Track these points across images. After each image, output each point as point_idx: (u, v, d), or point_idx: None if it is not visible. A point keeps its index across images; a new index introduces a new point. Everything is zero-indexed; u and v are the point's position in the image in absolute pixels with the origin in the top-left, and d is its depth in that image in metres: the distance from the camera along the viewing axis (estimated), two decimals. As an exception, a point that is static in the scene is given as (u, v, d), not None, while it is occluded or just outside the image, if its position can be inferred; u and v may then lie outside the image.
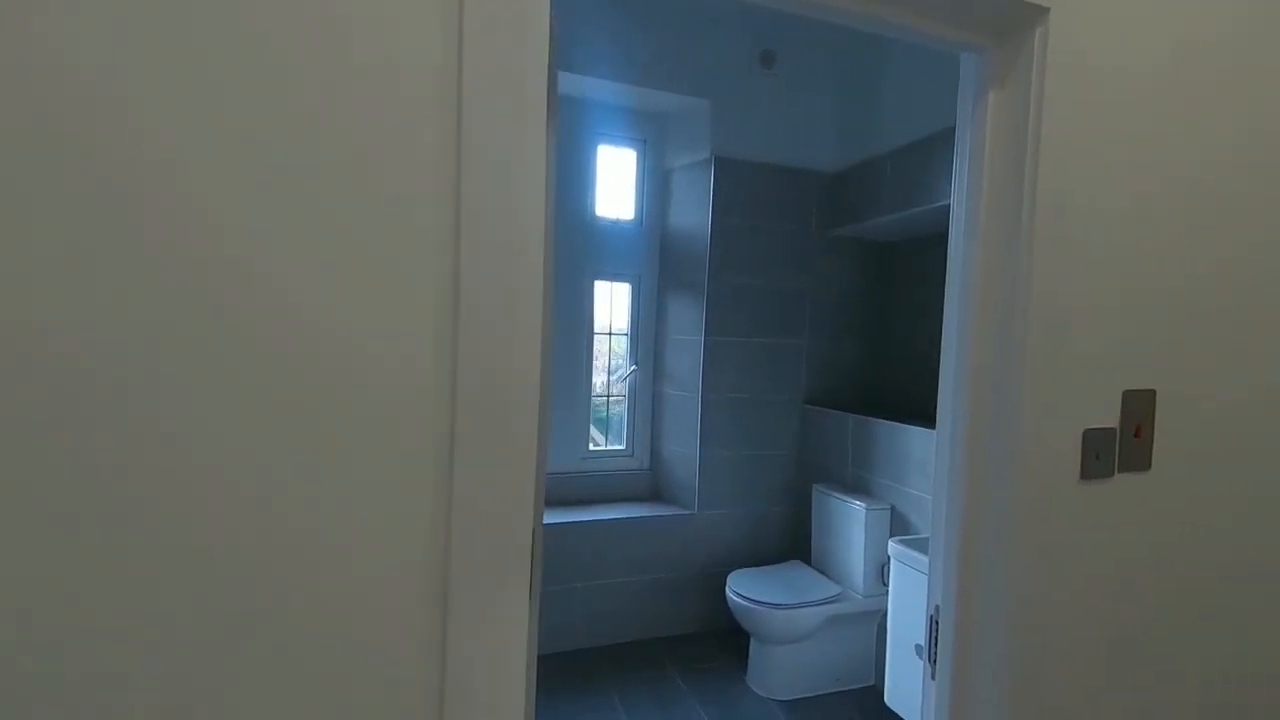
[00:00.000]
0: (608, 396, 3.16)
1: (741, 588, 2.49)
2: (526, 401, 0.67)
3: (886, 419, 2.55)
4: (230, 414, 0.59)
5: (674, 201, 3.06)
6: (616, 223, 3.07)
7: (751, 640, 2.53)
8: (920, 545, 2.03)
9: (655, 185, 3.10)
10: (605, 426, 3.19)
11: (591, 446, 3.10)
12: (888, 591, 2.20)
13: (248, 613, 0.60)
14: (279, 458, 0.61)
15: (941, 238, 1.10)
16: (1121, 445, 1.03)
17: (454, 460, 0.64)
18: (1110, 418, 1.02)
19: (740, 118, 2.84)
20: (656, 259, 3.11)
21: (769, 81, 2.87)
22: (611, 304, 3.11)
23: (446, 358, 0.64)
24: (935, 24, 0.94)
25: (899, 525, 2.44)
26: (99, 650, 0.57)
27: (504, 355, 0.66)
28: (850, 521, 2.53)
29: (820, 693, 2.49)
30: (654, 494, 3.12)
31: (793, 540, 3.05)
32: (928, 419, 1.09)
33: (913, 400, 2.76)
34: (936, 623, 1.06)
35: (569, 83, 2.71)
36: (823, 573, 2.67)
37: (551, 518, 2.73)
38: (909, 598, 2.06)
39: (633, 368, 3.12)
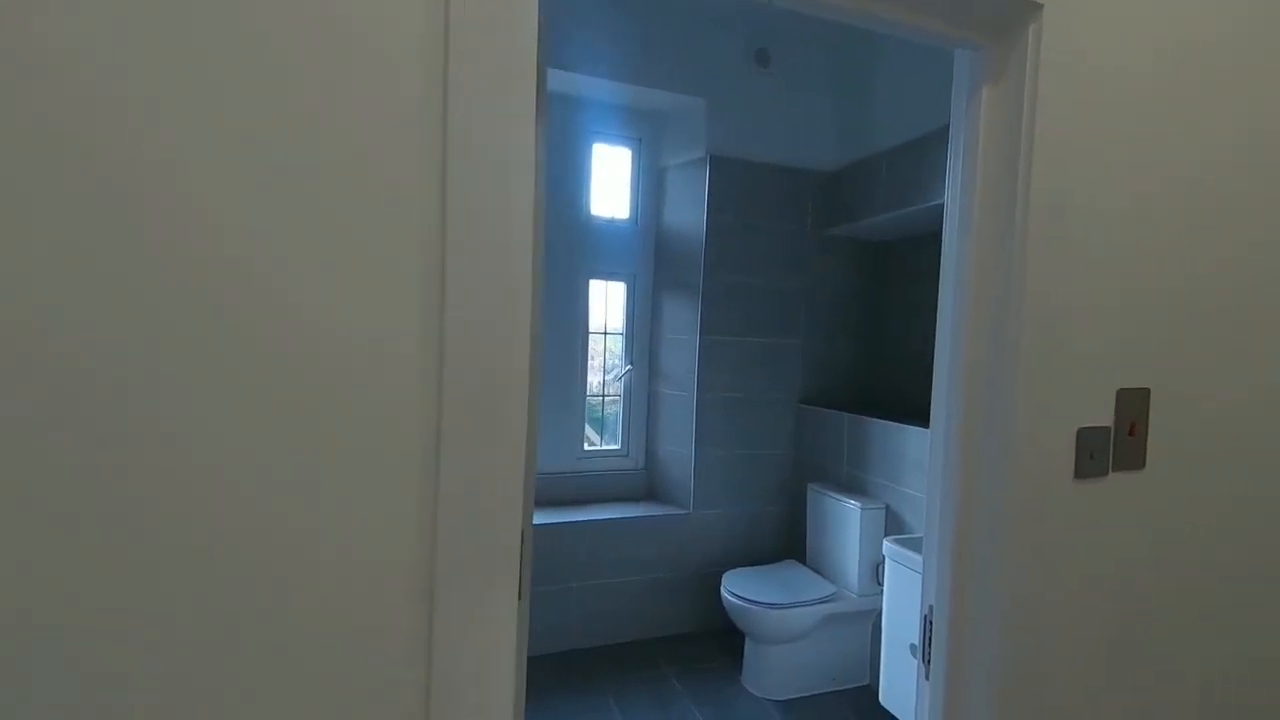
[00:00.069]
0: (603, 396, 3.16)
1: (736, 587, 2.49)
2: (514, 401, 0.66)
3: (882, 418, 2.55)
4: (220, 411, 0.59)
5: (669, 200, 3.06)
6: (611, 221, 3.06)
7: (747, 640, 2.53)
8: (915, 544, 2.03)
9: (650, 184, 3.09)
10: (600, 426, 3.18)
11: (587, 446, 3.09)
12: (883, 591, 2.20)
13: (232, 611, 0.60)
14: (267, 455, 0.60)
15: (937, 237, 1.09)
16: (1116, 444, 1.03)
17: (440, 460, 0.63)
18: (1105, 416, 1.02)
19: (735, 116, 2.83)
20: (652, 258, 3.10)
21: (764, 80, 2.86)
22: (606, 303, 3.10)
23: (432, 356, 0.64)
24: (928, 20, 0.93)
25: (894, 524, 2.44)
26: (93, 648, 0.56)
27: (491, 354, 0.65)
28: (845, 521, 2.53)
29: (815, 692, 2.48)
30: (649, 494, 3.12)
31: (788, 540, 3.05)
32: (923, 418, 1.10)
33: (908, 399, 2.75)
34: (930, 623, 1.06)
35: (563, 81, 2.70)
36: (818, 572, 2.67)
37: (546, 518, 2.72)
38: (904, 597, 2.06)
39: (628, 367, 3.11)
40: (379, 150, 0.62)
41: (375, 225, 0.63)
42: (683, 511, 2.92)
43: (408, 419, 0.64)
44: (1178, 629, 1.11)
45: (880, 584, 2.30)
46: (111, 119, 0.55)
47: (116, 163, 0.55)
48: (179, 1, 0.56)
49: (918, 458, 2.32)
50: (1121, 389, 1.03)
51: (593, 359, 3.11)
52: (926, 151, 2.39)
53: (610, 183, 3.06)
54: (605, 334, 3.12)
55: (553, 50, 2.53)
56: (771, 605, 2.39)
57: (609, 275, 3.06)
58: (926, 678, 1.06)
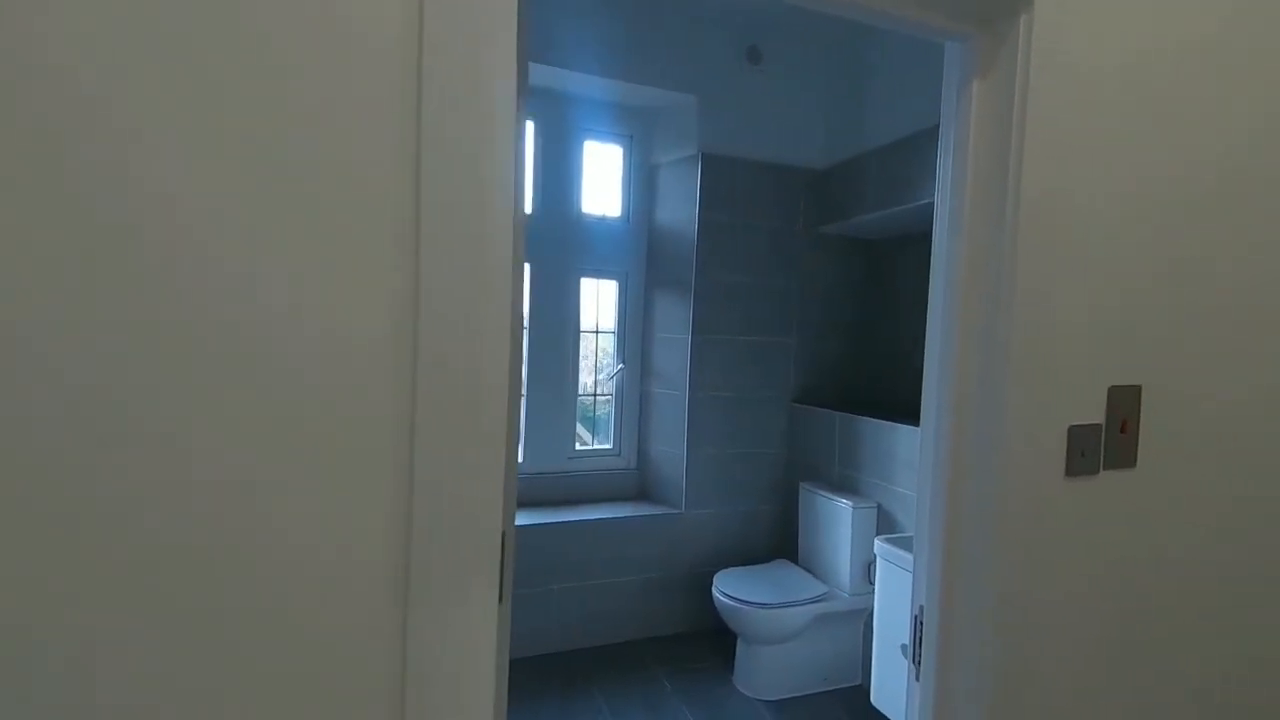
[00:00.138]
0: (595, 395, 3.14)
1: (728, 587, 2.47)
2: (492, 399, 0.64)
3: (873, 417, 2.54)
4: (188, 406, 0.57)
5: (660, 198, 3.04)
6: (603, 219, 3.04)
7: (738, 640, 2.52)
8: (906, 544, 2.02)
9: (642, 181, 3.07)
10: (592, 425, 3.16)
11: (578, 446, 3.07)
12: (874, 590, 2.19)
13: (195, 610, 0.58)
14: (235, 453, 0.58)
15: (929, 235, 1.08)
16: (1107, 442, 1.02)
17: (414, 459, 0.61)
18: (1096, 414, 1.01)
19: (727, 114, 2.82)
20: (643, 256, 3.09)
21: (756, 78, 2.85)
22: (598, 302, 3.08)
23: (406, 353, 0.62)
24: (916, 9, 0.92)
25: (886, 524, 2.43)
26: (67, 643, 0.55)
27: (467, 352, 0.63)
28: (837, 520, 2.52)
29: (807, 692, 2.47)
30: (641, 493, 3.10)
31: (781, 539, 3.04)
32: (915, 417, 1.09)
33: (900, 398, 2.75)
34: (921, 623, 1.04)
35: (554, 77, 2.68)
36: (810, 572, 2.66)
37: (538, 518, 2.70)
38: (895, 597, 2.05)
39: (620, 366, 3.09)
40: (351, 143, 0.61)
41: (347, 220, 0.61)
42: (675, 511, 2.90)
43: (380, 416, 0.62)
44: (1174, 629, 1.10)
45: (872, 583, 2.29)
46: (95, 118, 0.53)
47: (87, 159, 0.53)
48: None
49: (909, 457, 2.31)
50: (1113, 386, 1.02)
51: (586, 359, 3.10)
52: (917, 150, 2.39)
53: (601, 180, 3.05)
54: (597, 333, 3.10)
55: (543, 46, 2.51)
56: (762, 605, 2.38)
57: (600, 273, 3.04)
58: (917, 678, 1.05)
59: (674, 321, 2.95)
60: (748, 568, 2.70)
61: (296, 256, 0.59)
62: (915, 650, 1.05)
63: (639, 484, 3.11)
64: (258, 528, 0.59)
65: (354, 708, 0.63)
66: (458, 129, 0.63)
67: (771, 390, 3.01)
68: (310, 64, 0.59)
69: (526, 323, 2.90)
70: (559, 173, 2.91)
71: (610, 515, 2.82)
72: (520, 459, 2.91)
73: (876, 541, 2.17)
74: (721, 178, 2.84)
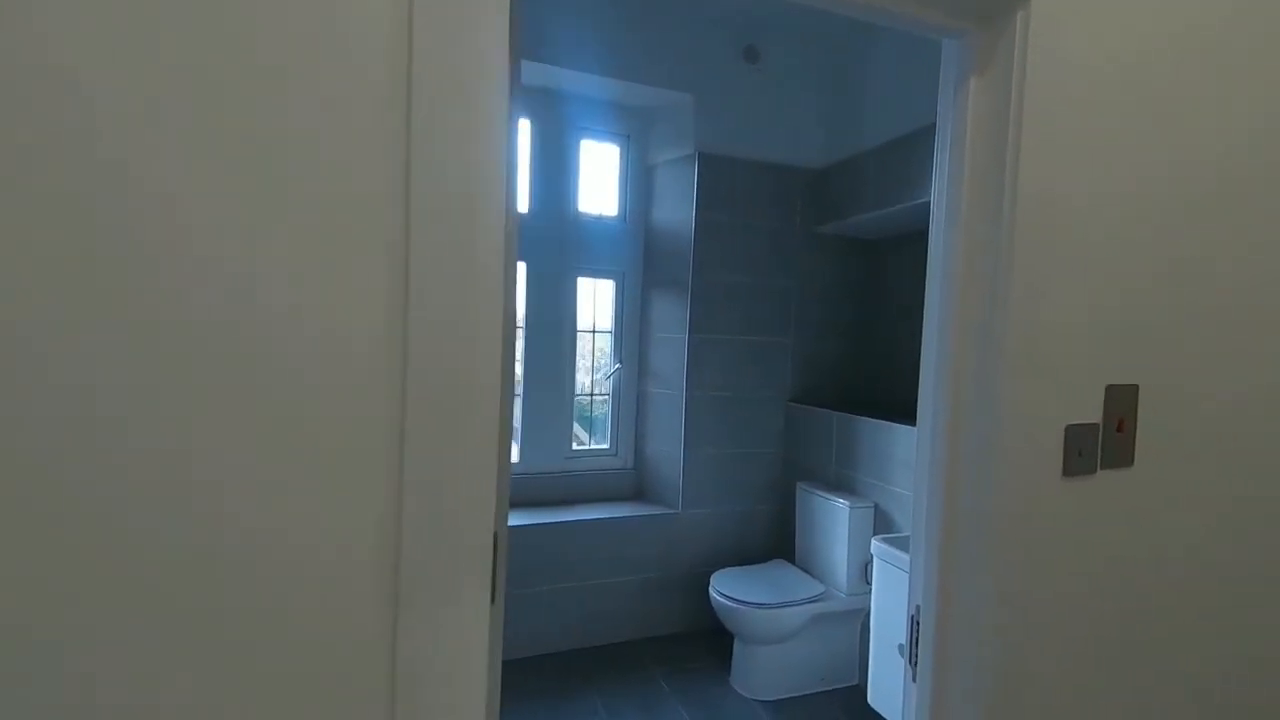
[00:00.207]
0: (591, 395, 3.13)
1: (725, 587, 2.47)
2: (483, 401, 0.64)
3: (870, 416, 2.54)
4: (182, 407, 0.56)
5: (657, 197, 3.03)
6: (600, 219, 3.03)
7: (735, 640, 2.51)
8: (903, 544, 2.02)
9: (638, 181, 3.06)
10: (589, 425, 3.15)
11: (575, 446, 3.06)
12: (871, 590, 2.18)
13: (184, 611, 0.57)
14: (229, 454, 0.58)
15: (926, 235, 1.07)
16: (1104, 441, 1.01)
17: (404, 461, 0.61)
18: (1093, 413, 1.00)
19: (724, 113, 2.81)
20: (640, 255, 3.08)
21: (753, 77, 2.85)
22: (595, 301, 3.07)
23: (396, 354, 0.61)
24: (914, 6, 0.91)
25: (883, 523, 2.42)
26: (62, 643, 0.54)
27: (457, 352, 0.62)
28: (834, 520, 2.51)
29: (805, 693, 2.47)
30: (638, 493, 3.09)
31: (778, 539, 3.03)
32: (912, 417, 1.08)
33: (898, 398, 2.74)
34: (918, 623, 1.04)
35: (550, 76, 2.67)
36: (807, 571, 2.65)
37: (534, 518, 2.70)
38: (892, 597, 2.05)
39: (617, 366, 3.08)
40: (340, 143, 0.60)
41: (337, 220, 0.60)
42: (672, 511, 2.90)
43: (371, 417, 0.61)
44: (1173, 629, 1.10)
45: (869, 583, 2.29)
46: (94, 116, 0.53)
47: (71, 153, 0.52)
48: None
49: (906, 456, 2.31)
50: (1110, 385, 1.01)
51: (584, 359, 3.09)
52: (914, 149, 2.38)
53: (598, 180, 3.04)
54: (594, 332, 3.09)
55: (540, 45, 2.50)
56: (759, 605, 2.37)
57: (597, 273, 3.04)
58: (914, 679, 1.04)
59: (671, 321, 2.95)
60: (745, 568, 2.69)
61: (288, 256, 0.59)
62: (912, 651, 1.05)
63: (636, 484, 3.10)
64: (250, 527, 0.58)
65: (345, 709, 0.62)
66: (446, 128, 0.62)
67: (769, 390, 3.01)
68: (300, 63, 0.58)
69: (523, 322, 2.89)
70: (555, 172, 2.90)
71: (607, 515, 2.82)
72: (517, 459, 2.90)
73: (873, 541, 2.17)
74: (719, 177, 2.83)
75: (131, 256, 0.54)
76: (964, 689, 0.97)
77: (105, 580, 0.55)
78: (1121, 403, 1.02)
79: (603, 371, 3.12)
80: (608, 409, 3.12)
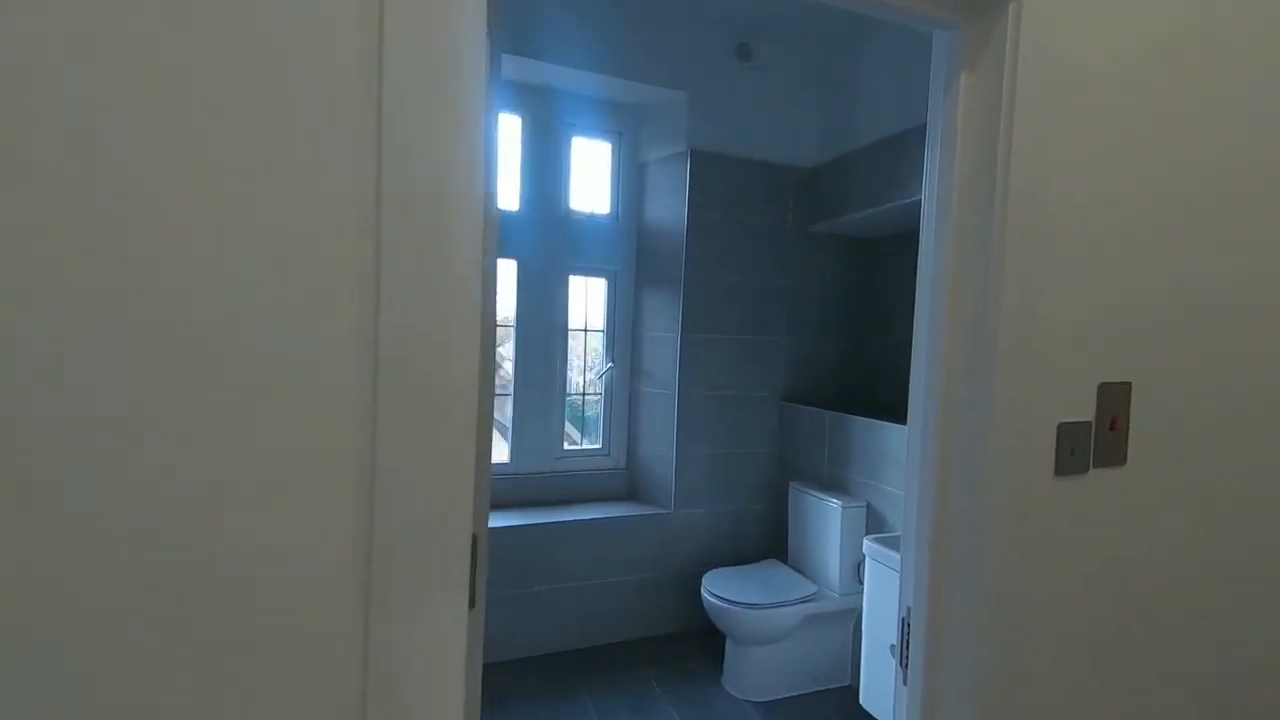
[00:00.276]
0: (583, 395, 3.11)
1: (717, 588, 2.45)
2: (459, 399, 0.62)
3: (863, 415, 2.53)
4: (145, 401, 0.54)
5: (650, 195, 3.01)
6: (591, 216, 3.01)
7: (728, 641, 2.49)
8: (895, 543, 2.00)
9: (631, 179, 3.04)
10: (582, 425, 3.13)
11: (567, 446, 3.04)
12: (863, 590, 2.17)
13: (143, 611, 0.55)
14: (197, 452, 0.55)
15: (918, 234, 1.06)
16: (1097, 440, 1.00)
17: (375, 461, 0.58)
18: (1086, 411, 0.99)
19: (716, 111, 2.80)
20: (633, 254, 3.06)
21: (746, 75, 2.83)
22: (587, 300, 3.05)
23: (368, 353, 0.59)
24: (905, -2, 0.90)
25: (875, 523, 2.42)
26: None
27: (430, 352, 0.60)
28: (826, 519, 2.50)
29: (798, 693, 2.45)
30: (631, 493, 3.07)
31: (771, 539, 3.02)
32: (904, 416, 1.07)
33: (890, 397, 2.74)
34: (909, 625, 1.02)
35: (541, 72, 2.65)
36: (800, 571, 2.64)
37: (525, 518, 2.67)
38: (884, 597, 2.04)
39: (609, 365, 3.06)
40: (310, 133, 0.57)
41: (306, 213, 0.58)
42: (664, 511, 2.88)
43: (342, 416, 0.59)
44: (1169, 628, 1.09)
45: (862, 583, 2.28)
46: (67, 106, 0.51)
47: (42, 145, 0.51)
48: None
49: (899, 456, 2.30)
50: (1103, 383, 1.00)
51: (578, 358, 3.07)
52: (907, 147, 2.37)
53: (590, 177, 3.02)
54: (586, 331, 3.07)
55: (531, 41, 2.48)
56: (751, 605, 2.36)
57: (589, 271, 3.01)
58: (904, 682, 1.03)
59: (664, 320, 2.93)
60: (737, 568, 2.68)
61: (256, 248, 0.56)
62: (903, 654, 1.03)
63: (628, 484, 3.09)
64: (218, 529, 0.56)
65: (312, 715, 0.60)
66: (418, 118, 0.60)
67: (762, 389, 2.99)
68: (271, 48, 0.56)
69: (514, 321, 2.86)
70: (547, 169, 2.88)
71: (599, 516, 2.80)
72: (507, 459, 2.88)
73: (866, 541, 2.15)
74: (711, 175, 2.82)
75: (92, 249, 0.52)
76: (960, 689, 0.96)
77: (75, 580, 0.53)
78: (1114, 401, 1.01)
79: (595, 371, 3.10)
80: (600, 408, 3.10)
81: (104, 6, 0.52)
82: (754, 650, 2.42)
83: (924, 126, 1.06)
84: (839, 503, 2.43)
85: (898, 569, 1.10)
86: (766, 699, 2.42)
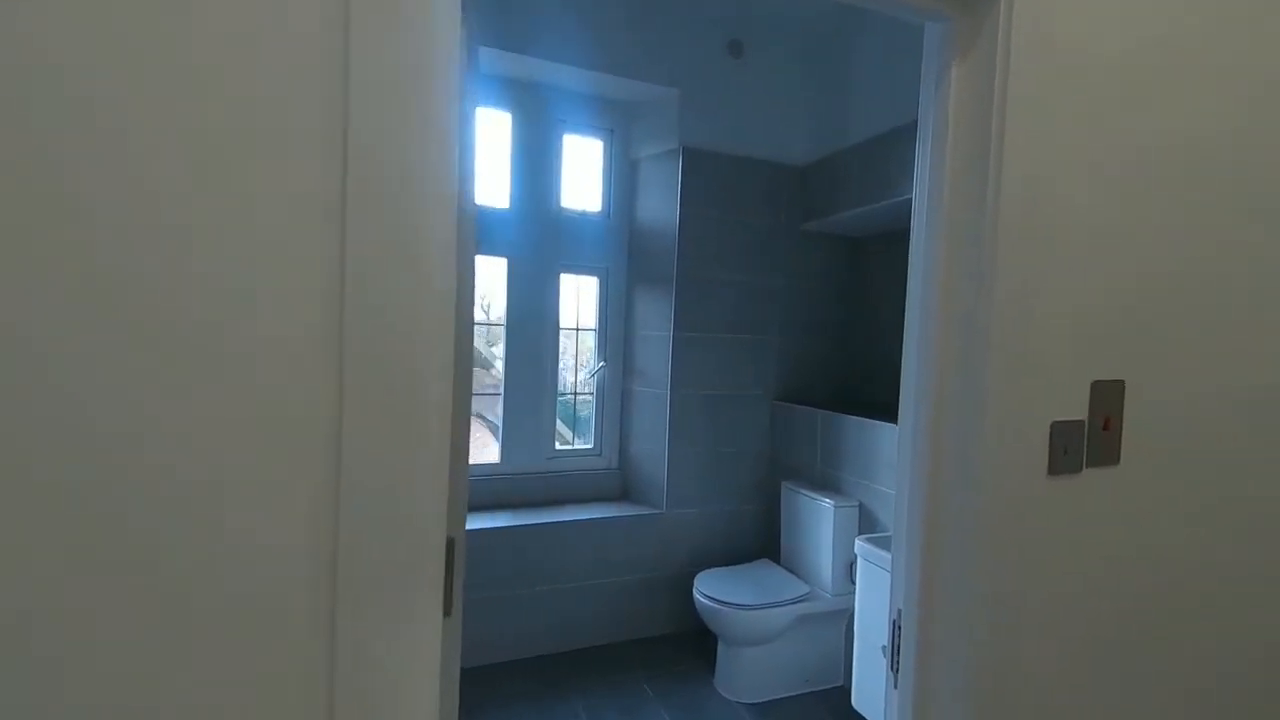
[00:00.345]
0: (575, 394, 3.08)
1: (708, 588, 2.43)
2: (431, 399, 0.59)
3: (855, 414, 2.51)
4: (115, 401, 0.52)
5: (641, 193, 2.99)
6: (583, 214, 2.98)
7: (719, 642, 2.48)
8: (887, 543, 1.98)
9: (623, 176, 3.02)
10: (574, 424, 3.11)
11: (559, 445, 3.01)
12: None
13: (98, 610, 0.52)
14: (154, 454, 0.53)
15: (909, 232, 1.04)
16: (1090, 439, 0.98)
17: (341, 461, 0.56)
18: (1079, 410, 0.98)
19: (709, 108, 2.78)
20: (625, 252, 3.04)
21: (738, 72, 2.81)
22: (578, 298, 3.03)
23: (333, 349, 0.56)
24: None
25: (868, 523, 2.40)
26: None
27: (400, 348, 0.57)
28: (819, 519, 2.48)
29: (790, 694, 2.44)
30: (623, 493, 3.05)
31: (765, 539, 3.00)
32: (896, 415, 1.06)
33: (883, 397, 2.72)
34: (899, 627, 1.01)
35: (531, 68, 2.62)
36: (792, 572, 2.62)
37: (516, 519, 2.65)
38: (876, 597, 2.02)
39: (600, 364, 3.04)
40: (275, 124, 0.55)
41: (272, 206, 0.55)
42: (656, 511, 2.86)
43: (306, 411, 0.56)
44: (1165, 628, 1.07)
45: (854, 583, 2.26)
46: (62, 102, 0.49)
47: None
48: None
49: (891, 455, 2.28)
50: (1096, 381, 0.98)
51: (570, 357, 3.04)
52: (899, 145, 2.36)
53: (581, 175, 2.99)
54: (577, 330, 3.05)
55: (521, 37, 2.45)
56: (743, 606, 2.34)
57: (580, 269, 2.99)
58: (895, 685, 1.01)
59: (656, 319, 2.91)
60: (729, 568, 2.66)
61: (220, 242, 0.54)
62: (893, 657, 1.01)
63: (621, 484, 3.06)
64: (176, 534, 0.54)
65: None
66: (385, 113, 0.57)
67: (755, 388, 2.97)
68: (234, 45, 0.54)
69: (504, 320, 2.84)
70: (537, 167, 2.85)
71: (591, 516, 2.77)
72: (498, 459, 2.85)
73: (857, 541, 2.14)
74: (703, 173, 2.79)
75: (53, 245, 0.49)
76: (952, 689, 0.94)
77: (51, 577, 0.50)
78: (1108, 399, 0.99)
79: (587, 370, 3.08)
80: (592, 408, 3.08)
81: (104, 7, 0.50)
82: (746, 651, 2.40)
83: (915, 124, 1.04)
84: (831, 502, 2.42)
85: (889, 569, 1.08)
86: (758, 700, 2.40)
